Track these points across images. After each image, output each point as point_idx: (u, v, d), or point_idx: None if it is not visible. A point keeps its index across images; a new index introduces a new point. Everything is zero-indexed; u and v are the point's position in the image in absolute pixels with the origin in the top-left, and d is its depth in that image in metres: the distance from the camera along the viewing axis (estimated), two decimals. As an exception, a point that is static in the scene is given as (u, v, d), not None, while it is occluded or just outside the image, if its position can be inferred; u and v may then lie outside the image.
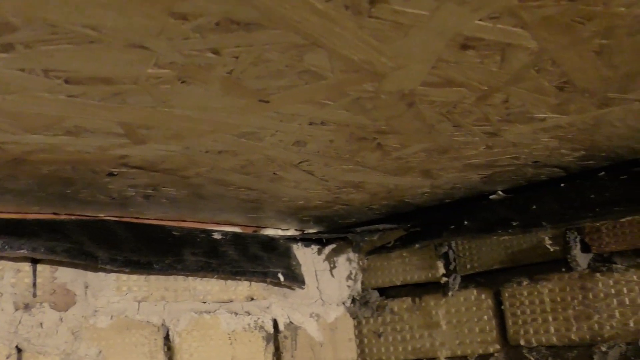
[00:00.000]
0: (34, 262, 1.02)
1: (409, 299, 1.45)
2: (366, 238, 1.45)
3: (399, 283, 1.48)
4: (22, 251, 0.93)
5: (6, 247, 0.91)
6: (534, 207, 1.20)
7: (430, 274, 1.42)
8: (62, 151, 0.82)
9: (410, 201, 1.41)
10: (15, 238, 0.93)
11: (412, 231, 1.43)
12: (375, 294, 1.52)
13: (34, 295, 1.00)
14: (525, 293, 1.24)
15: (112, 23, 0.51)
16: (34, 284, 1.00)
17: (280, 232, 1.54)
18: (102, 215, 1.25)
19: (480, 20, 0.57)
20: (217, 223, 1.48)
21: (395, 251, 1.43)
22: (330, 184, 1.19)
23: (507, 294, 1.27)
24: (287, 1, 0.50)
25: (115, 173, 0.97)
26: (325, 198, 1.31)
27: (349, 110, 0.78)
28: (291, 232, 1.57)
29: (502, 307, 1.27)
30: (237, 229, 1.45)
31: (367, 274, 1.54)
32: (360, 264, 1.55)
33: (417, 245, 1.38)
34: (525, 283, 1.25)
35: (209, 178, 1.06)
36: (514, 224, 1.21)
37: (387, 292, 1.51)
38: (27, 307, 0.98)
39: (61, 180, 0.97)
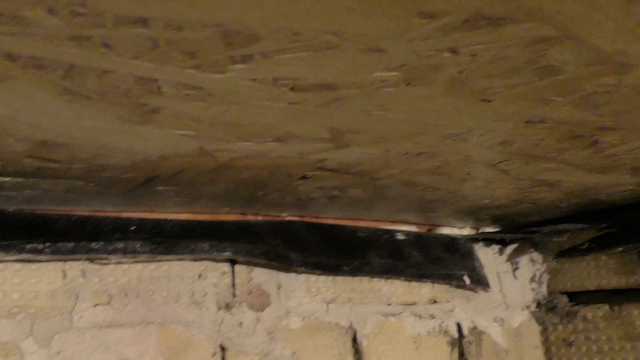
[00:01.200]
0: (232, 262, 1.04)
1: (606, 307, 1.32)
2: (554, 239, 1.34)
3: (592, 288, 1.36)
4: (226, 253, 0.95)
5: (212, 249, 0.93)
6: None
7: (632, 280, 1.28)
8: (266, 157, 0.82)
9: (604, 199, 1.28)
10: (219, 241, 0.95)
11: (609, 232, 1.30)
12: (564, 298, 1.40)
13: (234, 295, 1.02)
14: None
15: (354, 28, 0.48)
16: (233, 284, 1.02)
17: (456, 231, 1.47)
18: (284, 215, 1.26)
19: None
20: (392, 222, 1.45)
21: (590, 254, 1.31)
22: (523, 183, 1.10)
23: None
24: (555, -10, 0.44)
25: (309, 176, 0.96)
26: (513, 197, 1.22)
27: (576, 107, 0.70)
28: (467, 231, 1.50)
29: None
30: (412, 228, 1.41)
31: (553, 276, 1.43)
32: (547, 265, 1.44)
33: (619, 248, 1.25)
34: None
35: (399, 179, 1.03)
36: None
37: (578, 297, 1.39)
38: (227, 306, 1.00)
39: (256, 183, 0.98)
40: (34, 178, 0.80)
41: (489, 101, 0.67)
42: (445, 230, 1.45)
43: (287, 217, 1.26)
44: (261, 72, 0.55)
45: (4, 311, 0.83)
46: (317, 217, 1.32)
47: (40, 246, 0.79)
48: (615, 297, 1.32)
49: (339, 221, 1.32)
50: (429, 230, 1.47)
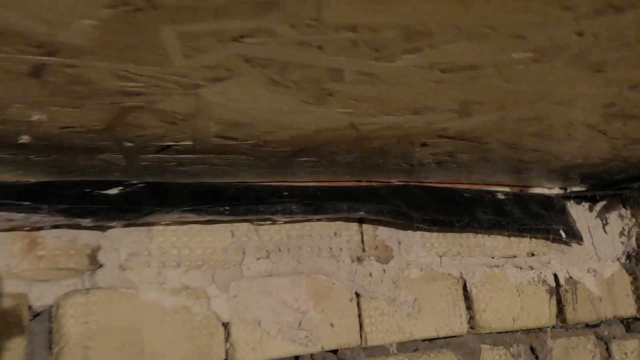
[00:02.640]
0: (360, 222, 1.20)
1: (695, 255, 1.42)
2: (644, 194, 1.45)
3: (681, 239, 1.46)
4: (360, 213, 1.11)
5: (350, 209, 1.10)
6: None
7: None
8: (401, 128, 0.97)
9: (693, 154, 1.37)
10: (354, 202, 1.11)
11: (697, 185, 1.39)
12: (654, 250, 1.50)
13: (363, 250, 1.18)
14: None
15: (506, 21, 0.62)
16: (362, 241, 1.18)
17: (546, 191, 1.59)
18: (393, 181, 1.41)
19: None
20: (487, 184, 1.58)
21: (680, 206, 1.40)
22: (618, 142, 1.21)
23: None
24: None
25: (428, 143, 1.10)
26: (606, 156, 1.33)
27: (677, 71, 0.82)
28: (556, 191, 1.61)
29: None
30: (506, 189, 1.53)
31: (642, 230, 1.53)
32: (636, 220, 1.54)
33: None
34: None
35: (505, 142, 1.15)
36: None
37: (667, 248, 1.49)
38: (359, 259, 1.17)
39: (382, 152, 1.13)
40: (212, 154, 0.97)
41: (602, 71, 0.79)
42: (536, 190, 1.57)
43: (396, 182, 1.41)
44: (424, 60, 0.69)
45: (192, 263, 1.02)
46: (421, 182, 1.47)
47: (221, 209, 0.97)
48: None
49: (441, 184, 1.46)
50: (521, 190, 1.59)
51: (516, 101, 0.90)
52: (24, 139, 0.80)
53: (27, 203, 0.81)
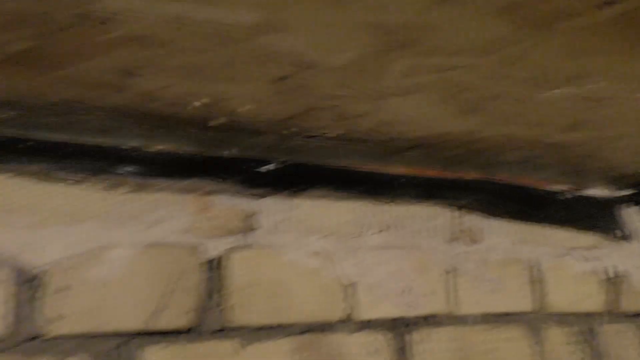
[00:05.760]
0: (454, 209, 1.39)
1: None
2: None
3: None
4: (462, 202, 1.30)
5: (454, 199, 1.28)
6: None
7: None
8: (513, 136, 1.14)
9: None
10: (456, 192, 1.30)
11: None
12: (692, 252, 1.69)
13: (453, 232, 1.37)
14: None
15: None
16: (454, 225, 1.37)
17: (598, 192, 1.77)
18: (470, 173, 1.59)
19: None
20: (548, 182, 1.76)
21: None
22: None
23: None
24: None
25: (523, 148, 1.28)
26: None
27: None
28: (606, 193, 1.79)
29: None
30: (564, 187, 1.71)
31: (685, 235, 1.72)
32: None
33: None
34: None
35: (586, 150, 1.33)
36: None
37: None
38: (450, 240, 1.36)
39: (477, 152, 1.30)
40: (344, 142, 1.14)
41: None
42: (590, 192, 1.75)
43: (473, 174, 1.59)
44: (565, 93, 0.87)
45: (326, 232, 1.21)
46: (492, 177, 1.64)
47: (356, 191, 1.16)
48: None
49: (510, 179, 1.64)
50: (576, 191, 1.77)
51: (613, 125, 1.07)
52: (216, 121, 0.97)
53: (221, 176, 1.00)
